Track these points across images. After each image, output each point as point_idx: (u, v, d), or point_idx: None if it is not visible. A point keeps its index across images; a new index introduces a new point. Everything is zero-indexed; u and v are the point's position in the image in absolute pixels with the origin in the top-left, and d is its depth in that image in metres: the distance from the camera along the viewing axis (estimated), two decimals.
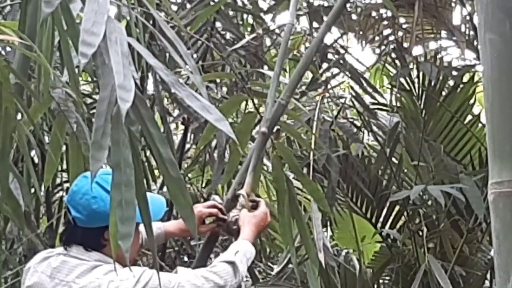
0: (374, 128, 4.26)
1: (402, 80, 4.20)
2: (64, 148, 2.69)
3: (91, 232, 2.19)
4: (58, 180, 3.89)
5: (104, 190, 2.16)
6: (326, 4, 4.36)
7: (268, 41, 4.57)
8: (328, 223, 4.21)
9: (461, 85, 4.26)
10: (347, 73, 4.21)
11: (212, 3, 3.89)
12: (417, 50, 4.65)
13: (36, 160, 3.56)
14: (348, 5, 4.29)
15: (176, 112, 4.58)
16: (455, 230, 4.10)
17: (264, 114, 2.67)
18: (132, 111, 1.45)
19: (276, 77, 2.75)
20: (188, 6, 4.05)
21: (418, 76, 4.20)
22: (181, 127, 5.02)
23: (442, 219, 4.09)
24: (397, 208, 4.28)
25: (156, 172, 4.17)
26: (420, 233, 4.01)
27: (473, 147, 4.27)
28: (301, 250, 3.48)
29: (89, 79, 4.40)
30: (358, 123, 4.35)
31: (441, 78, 4.13)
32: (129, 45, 1.52)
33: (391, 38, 4.51)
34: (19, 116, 2.10)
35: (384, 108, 4.32)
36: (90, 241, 2.21)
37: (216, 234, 2.57)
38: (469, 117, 4.31)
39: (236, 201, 2.53)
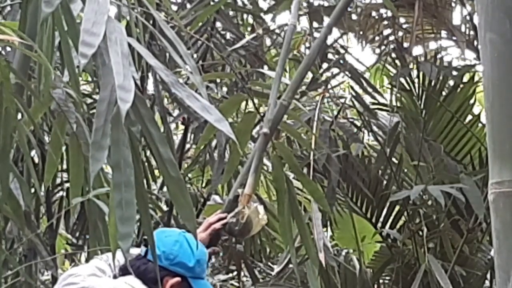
0: (374, 128, 4.27)
1: (402, 80, 4.20)
2: (64, 148, 2.69)
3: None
4: (58, 180, 3.89)
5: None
6: (326, 4, 4.36)
7: (268, 41, 4.57)
8: (328, 223, 4.21)
9: (461, 85, 4.26)
10: (347, 73, 4.21)
11: (212, 3, 3.89)
12: (417, 50, 4.66)
13: (36, 160, 3.56)
14: None
15: (176, 112, 4.58)
16: (455, 230, 4.10)
17: (266, 115, 2.67)
18: (132, 111, 1.45)
19: (278, 78, 2.75)
20: (188, 6, 4.05)
21: (418, 76, 4.20)
22: (181, 127, 5.02)
23: (442, 219, 4.09)
24: (397, 208, 4.28)
25: (156, 172, 4.17)
26: (420, 233, 4.01)
27: (473, 147, 4.27)
28: (301, 250, 3.48)
29: (89, 79, 4.40)
30: (358, 123, 4.35)
31: (441, 78, 4.13)
32: (129, 45, 1.52)
33: (391, 38, 4.51)
34: (19, 116, 2.11)
35: (384, 108, 4.33)
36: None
37: (217, 234, 2.57)
38: (469, 117, 4.31)
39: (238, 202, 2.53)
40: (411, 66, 4.27)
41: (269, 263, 4.74)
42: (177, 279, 2.28)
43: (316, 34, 4.16)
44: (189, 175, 4.93)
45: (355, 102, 4.22)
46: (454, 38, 4.51)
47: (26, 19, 1.83)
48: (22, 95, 2.12)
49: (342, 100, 4.35)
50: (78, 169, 2.45)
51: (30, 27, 1.82)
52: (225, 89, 4.57)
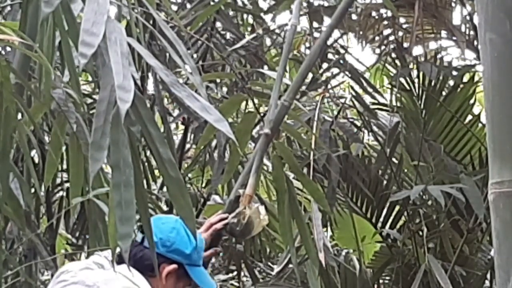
0: (374, 128, 4.27)
1: (402, 80, 4.20)
2: (64, 148, 2.69)
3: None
4: (58, 180, 3.89)
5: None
6: (326, 4, 4.36)
7: (268, 41, 4.56)
8: (328, 223, 4.21)
9: (461, 85, 4.26)
10: (347, 73, 4.21)
11: (212, 3, 3.89)
12: (417, 50, 4.66)
13: (36, 160, 3.56)
14: None
15: (176, 112, 4.58)
16: (455, 230, 4.10)
17: (267, 115, 2.67)
18: (132, 111, 1.45)
19: (279, 79, 2.75)
20: (188, 6, 4.05)
21: (418, 76, 4.20)
22: (181, 127, 5.02)
23: (442, 219, 4.09)
24: (397, 208, 4.28)
25: (156, 172, 4.17)
26: (420, 233, 4.01)
27: (473, 147, 4.27)
28: (301, 250, 3.48)
29: (89, 79, 4.40)
30: (358, 123, 4.35)
31: (441, 78, 4.13)
32: (129, 45, 1.52)
33: (391, 38, 4.51)
34: (19, 116, 2.10)
35: (384, 108, 4.33)
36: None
37: (218, 234, 2.57)
38: (469, 117, 4.31)
39: (239, 202, 2.53)
40: (411, 66, 4.27)
41: (269, 263, 4.74)
42: (174, 266, 2.27)
43: (316, 34, 4.17)
44: (189, 175, 4.93)
45: (355, 102, 4.22)
46: (454, 38, 4.51)
47: (26, 19, 1.83)
48: (22, 95, 2.12)
49: (342, 100, 4.35)
50: (78, 169, 2.45)
51: (30, 27, 1.81)
52: (225, 89, 4.57)
